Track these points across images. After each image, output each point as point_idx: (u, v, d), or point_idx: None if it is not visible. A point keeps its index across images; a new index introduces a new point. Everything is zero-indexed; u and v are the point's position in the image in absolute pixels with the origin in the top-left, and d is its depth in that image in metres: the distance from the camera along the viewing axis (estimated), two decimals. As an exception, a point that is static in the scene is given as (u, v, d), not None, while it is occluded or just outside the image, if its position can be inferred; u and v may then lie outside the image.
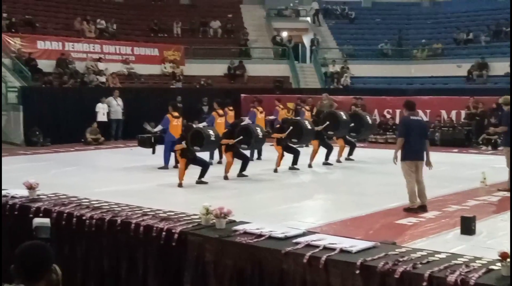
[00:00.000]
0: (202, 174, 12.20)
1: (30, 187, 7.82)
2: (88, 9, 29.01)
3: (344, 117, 15.36)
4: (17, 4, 26.59)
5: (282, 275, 5.38)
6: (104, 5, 30.40)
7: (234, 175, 12.98)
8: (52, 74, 23.40)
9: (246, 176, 13.06)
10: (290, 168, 14.16)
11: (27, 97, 20.54)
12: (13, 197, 7.73)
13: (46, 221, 4.08)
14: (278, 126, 14.94)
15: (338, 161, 15.61)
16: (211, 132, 12.66)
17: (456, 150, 18.34)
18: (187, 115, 17.92)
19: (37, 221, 4.07)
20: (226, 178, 12.81)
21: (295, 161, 14.29)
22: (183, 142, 12.08)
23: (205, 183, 12.09)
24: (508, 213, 9.09)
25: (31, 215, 7.13)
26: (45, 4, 28.01)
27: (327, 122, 15.10)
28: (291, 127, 14.13)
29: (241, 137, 13.05)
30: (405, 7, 35.25)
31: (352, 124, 15.55)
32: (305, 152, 15.48)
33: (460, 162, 15.98)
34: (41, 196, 7.85)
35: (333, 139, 16.12)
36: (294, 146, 14.76)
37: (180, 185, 11.85)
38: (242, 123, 14.34)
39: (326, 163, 15.11)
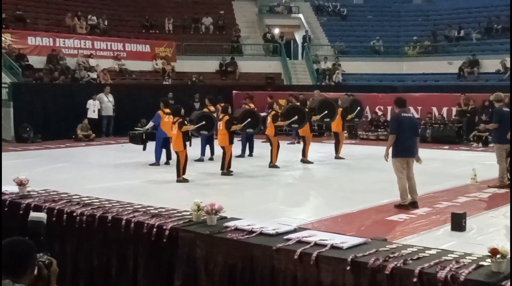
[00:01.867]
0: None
1: (21, 184, 7.79)
2: (79, 5, 28.87)
3: (340, 103, 16.08)
4: (8, 0, 26.40)
5: (273, 271, 5.39)
6: (95, 1, 30.22)
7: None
8: (43, 70, 23.28)
9: (232, 172, 13.00)
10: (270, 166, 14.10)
11: (17, 93, 20.43)
12: (3, 193, 7.71)
13: (42, 215, 4.03)
14: (272, 113, 14.48)
15: (339, 157, 15.65)
16: (214, 115, 13.44)
17: (447, 147, 18.40)
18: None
19: (33, 215, 4.03)
20: (227, 174, 12.77)
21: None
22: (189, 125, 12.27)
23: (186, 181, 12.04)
24: (498, 209, 9.17)
25: (21, 212, 7.12)
26: (36, 0, 27.84)
27: (326, 111, 15.23)
28: (296, 116, 14.30)
29: (249, 119, 13.52)
30: (396, 4, 35.33)
31: (359, 108, 16.32)
32: (297, 148, 15.52)
33: (451, 159, 16.02)
34: (31, 193, 7.84)
35: (330, 135, 16.37)
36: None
37: (183, 180, 11.78)
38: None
39: (306, 161, 15.01)
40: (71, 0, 29.12)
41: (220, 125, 13.04)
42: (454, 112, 20.66)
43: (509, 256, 4.57)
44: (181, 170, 11.89)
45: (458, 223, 7.79)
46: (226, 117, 13.13)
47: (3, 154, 16.18)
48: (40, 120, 20.34)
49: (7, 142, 19.49)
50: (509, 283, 4.38)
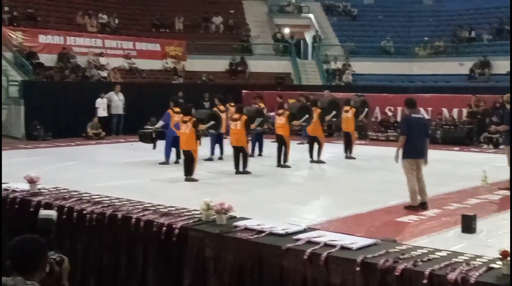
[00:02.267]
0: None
1: (31, 181, 7.81)
2: (90, 3, 28.96)
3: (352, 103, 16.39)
4: (20, -2, 26.61)
5: (282, 272, 5.37)
6: (106, -1, 30.39)
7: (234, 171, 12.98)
8: (54, 68, 23.41)
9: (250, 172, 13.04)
10: (280, 166, 14.09)
11: (28, 91, 20.55)
12: (14, 191, 7.73)
13: (52, 213, 4.04)
14: (282, 113, 14.46)
15: (350, 157, 15.65)
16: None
17: (457, 149, 18.32)
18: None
19: (43, 212, 4.04)
20: (246, 172, 12.82)
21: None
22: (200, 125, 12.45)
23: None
24: (509, 211, 9.10)
25: (31, 209, 7.14)
26: (47, -2, 28.00)
27: (334, 111, 15.55)
28: (306, 116, 14.67)
29: (262, 119, 14.36)
30: (407, 5, 35.20)
31: (367, 109, 16.84)
32: (306, 148, 15.49)
33: (461, 160, 15.96)
34: (42, 190, 7.85)
35: (340, 134, 16.41)
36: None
37: (192, 179, 11.81)
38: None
39: (320, 161, 14.99)
40: (82, -2, 29.24)
41: (238, 125, 13.03)
42: (464, 114, 20.58)
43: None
44: (194, 168, 11.92)
45: (468, 225, 7.76)
46: (245, 117, 13.15)
47: (13, 151, 16.36)
48: (50, 118, 20.42)
49: (18, 140, 19.61)
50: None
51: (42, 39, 24.13)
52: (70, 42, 24.79)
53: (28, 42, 23.47)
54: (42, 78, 22.48)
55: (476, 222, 7.82)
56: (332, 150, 16.49)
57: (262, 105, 17.21)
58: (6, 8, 24.84)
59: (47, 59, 23.65)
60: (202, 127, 12.47)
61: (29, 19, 25.57)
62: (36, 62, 22.96)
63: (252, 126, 13.68)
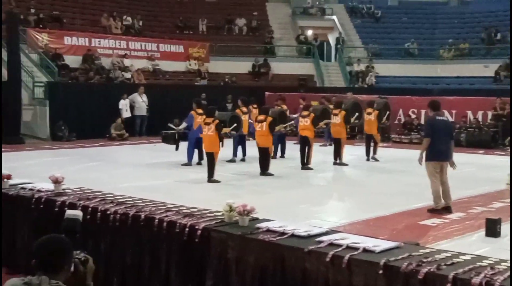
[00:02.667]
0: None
1: (56, 181, 7.91)
2: (115, 5, 29.21)
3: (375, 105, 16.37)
4: (45, 0, 26.91)
5: (304, 274, 5.37)
6: (130, 1, 30.57)
7: (257, 172, 12.98)
8: (79, 69, 23.61)
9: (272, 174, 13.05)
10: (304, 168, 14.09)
11: (53, 92, 20.77)
12: (39, 191, 7.83)
13: (78, 213, 4.08)
14: (307, 114, 14.40)
15: (374, 158, 15.59)
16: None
17: (481, 152, 18.12)
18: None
19: (69, 212, 4.08)
20: (268, 174, 12.83)
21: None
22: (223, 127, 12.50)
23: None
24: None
25: (56, 209, 7.23)
26: (72, 0, 28.25)
27: (357, 113, 15.72)
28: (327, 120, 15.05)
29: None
30: (432, 6, 34.94)
31: (388, 112, 16.84)
32: (329, 150, 15.45)
33: (485, 163, 15.79)
34: (66, 190, 7.94)
35: (362, 137, 16.69)
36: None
37: (214, 180, 11.86)
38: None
39: (342, 164, 14.93)
40: (107, 0, 29.48)
41: (263, 126, 13.09)
42: (489, 116, 20.36)
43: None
44: (214, 170, 11.96)
45: (493, 228, 7.67)
46: (270, 119, 13.22)
47: (38, 152, 16.58)
48: (75, 119, 20.62)
49: (43, 140, 19.84)
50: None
51: (67, 40, 24.36)
52: (95, 43, 25.01)
53: (53, 43, 23.71)
54: (67, 80, 22.71)
55: (501, 226, 7.72)
56: (355, 152, 16.43)
57: (284, 107, 17.19)
58: (32, 10, 25.23)
59: (72, 60, 23.88)
60: (226, 130, 12.55)
61: (54, 21, 25.85)
62: (61, 63, 23.20)
63: (277, 128, 13.69)
